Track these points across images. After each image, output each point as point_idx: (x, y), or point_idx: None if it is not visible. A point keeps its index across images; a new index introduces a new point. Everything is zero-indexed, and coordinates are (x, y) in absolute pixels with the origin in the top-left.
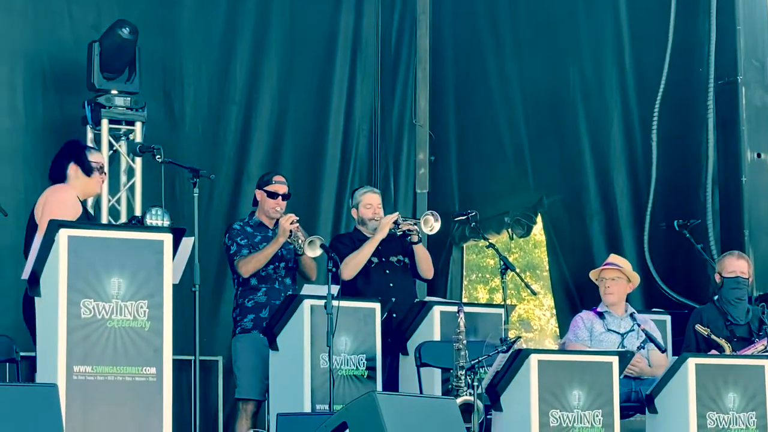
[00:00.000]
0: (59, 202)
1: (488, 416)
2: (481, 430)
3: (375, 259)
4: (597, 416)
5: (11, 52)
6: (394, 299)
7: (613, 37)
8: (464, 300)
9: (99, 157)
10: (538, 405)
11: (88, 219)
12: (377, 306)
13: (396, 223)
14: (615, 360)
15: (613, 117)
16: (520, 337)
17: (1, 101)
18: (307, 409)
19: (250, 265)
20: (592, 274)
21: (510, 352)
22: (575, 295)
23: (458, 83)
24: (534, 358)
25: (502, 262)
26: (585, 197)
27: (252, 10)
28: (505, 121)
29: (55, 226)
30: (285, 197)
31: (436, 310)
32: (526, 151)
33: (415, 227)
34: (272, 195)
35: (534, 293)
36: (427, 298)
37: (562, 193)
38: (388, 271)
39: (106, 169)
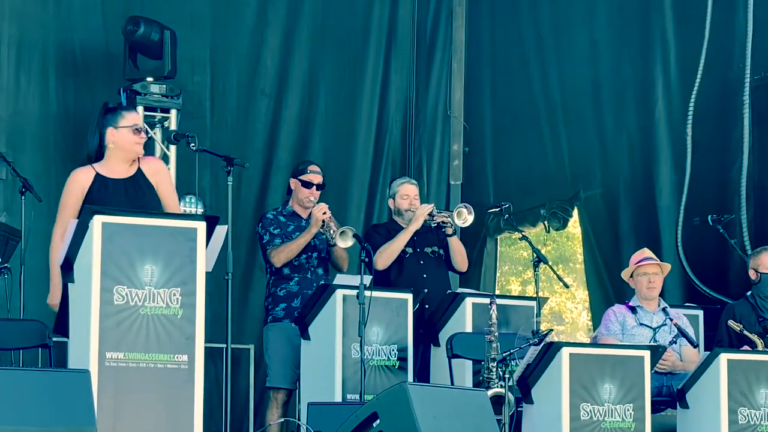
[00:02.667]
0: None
1: (519, 408)
2: (512, 423)
3: (410, 250)
4: (628, 410)
5: (43, 40)
6: (426, 290)
7: (658, 30)
8: (496, 292)
9: (133, 118)
10: (569, 398)
11: (107, 192)
12: (409, 297)
13: (430, 214)
14: (647, 354)
15: (654, 111)
16: (551, 330)
17: (33, 89)
18: (338, 398)
19: (282, 254)
20: (626, 273)
21: (542, 345)
22: (610, 289)
23: (494, 74)
24: (565, 352)
25: (534, 255)
26: (623, 191)
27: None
28: (543, 113)
29: (89, 212)
30: (319, 187)
31: (468, 302)
32: (563, 143)
33: (449, 219)
34: (306, 184)
35: (566, 286)
36: (460, 290)
37: (601, 187)
38: (422, 262)
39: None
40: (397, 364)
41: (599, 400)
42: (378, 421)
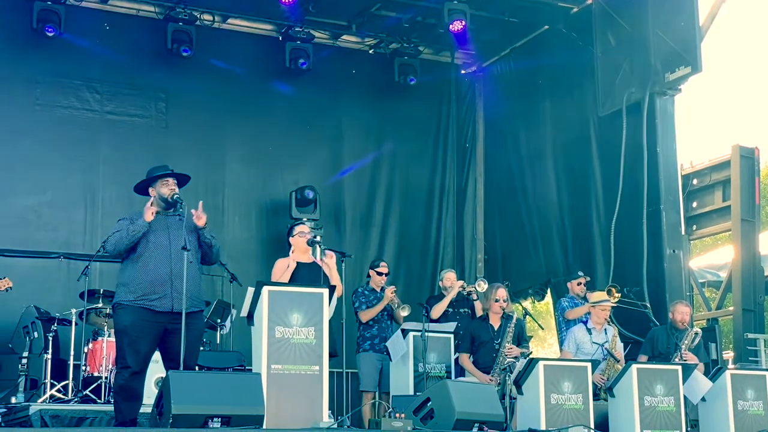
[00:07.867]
0: (273, 273)
1: (513, 399)
2: (511, 407)
3: (450, 309)
4: (579, 398)
5: None
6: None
7: (592, 179)
8: None
9: (299, 228)
10: (544, 391)
11: (299, 271)
12: (452, 336)
13: (462, 287)
14: (589, 365)
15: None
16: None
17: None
18: (411, 393)
19: (366, 315)
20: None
21: (528, 358)
22: None
23: (501, 213)
24: (541, 363)
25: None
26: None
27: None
28: (528, 235)
29: (260, 284)
30: (386, 275)
31: None
32: (540, 250)
33: (473, 289)
34: (379, 273)
35: (542, 328)
36: None
37: (562, 275)
38: (457, 316)
39: (306, 233)
40: (444, 375)
41: (562, 392)
42: (430, 402)
